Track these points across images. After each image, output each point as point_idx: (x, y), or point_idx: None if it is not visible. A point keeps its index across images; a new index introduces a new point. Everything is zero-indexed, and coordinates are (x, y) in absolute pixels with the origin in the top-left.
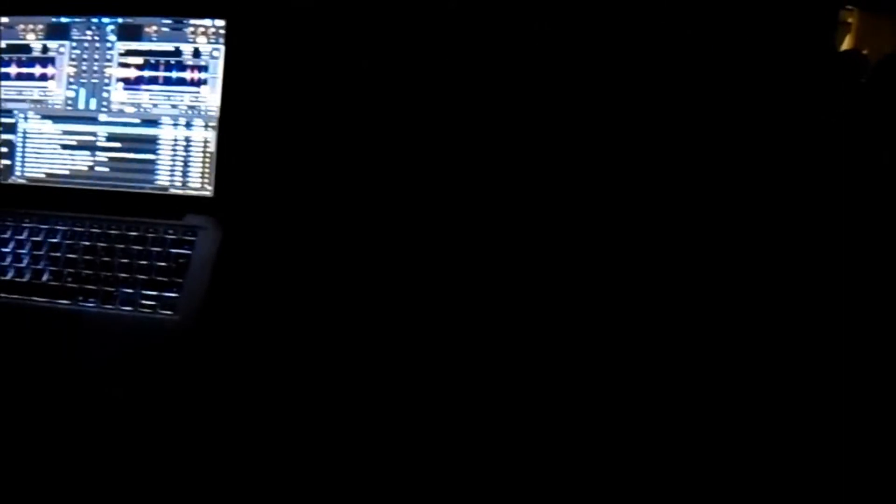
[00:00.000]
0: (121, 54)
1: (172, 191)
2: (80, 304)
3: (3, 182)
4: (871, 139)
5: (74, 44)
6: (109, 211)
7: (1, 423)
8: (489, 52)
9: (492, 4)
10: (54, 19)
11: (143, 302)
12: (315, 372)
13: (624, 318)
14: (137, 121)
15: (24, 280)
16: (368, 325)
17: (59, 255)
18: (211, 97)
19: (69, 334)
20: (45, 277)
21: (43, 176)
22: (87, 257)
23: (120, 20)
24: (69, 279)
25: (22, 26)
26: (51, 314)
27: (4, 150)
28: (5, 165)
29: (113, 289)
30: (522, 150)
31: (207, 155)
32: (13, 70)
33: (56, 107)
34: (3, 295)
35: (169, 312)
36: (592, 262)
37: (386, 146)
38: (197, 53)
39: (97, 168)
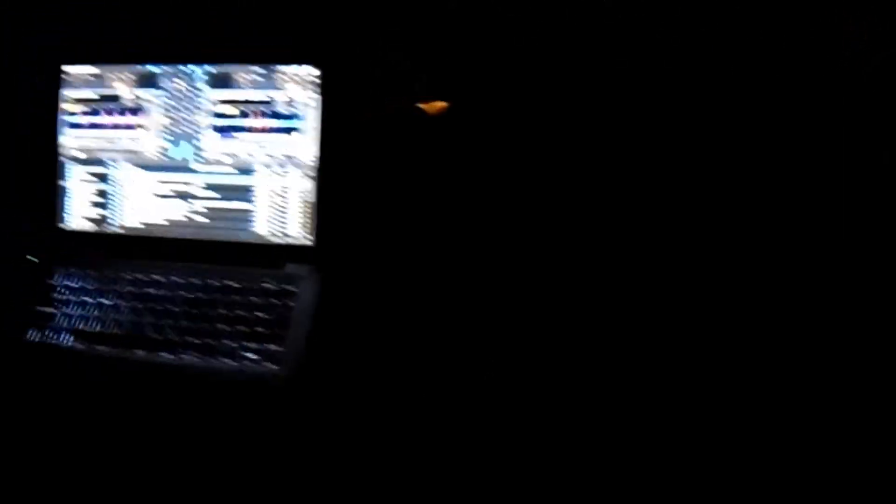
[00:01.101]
0: (213, 103)
1: (271, 240)
2: (183, 357)
3: (99, 231)
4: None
5: (166, 93)
6: (207, 260)
7: (105, 477)
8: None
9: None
10: (144, 68)
11: (246, 355)
12: (421, 423)
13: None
14: (233, 170)
15: (125, 332)
16: (472, 376)
17: (159, 306)
18: (307, 146)
19: (172, 389)
20: (145, 330)
21: (139, 225)
22: (188, 309)
23: (210, 68)
24: (170, 331)
25: (112, 76)
26: (153, 368)
27: (100, 199)
28: (101, 215)
29: (214, 341)
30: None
31: (306, 204)
32: (105, 120)
33: (150, 156)
34: (103, 348)
35: (272, 365)
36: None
37: (486, 191)
38: (291, 102)
39: (194, 217)
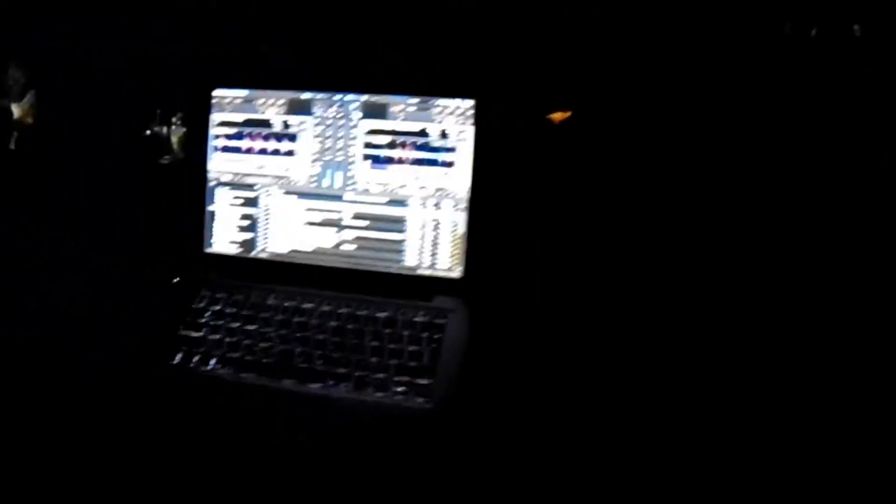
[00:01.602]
0: (366, 133)
1: (420, 272)
2: (332, 388)
3: (244, 256)
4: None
5: (317, 120)
6: (355, 290)
7: None
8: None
9: None
10: (296, 95)
11: (396, 389)
12: (573, 458)
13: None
14: (384, 200)
15: (273, 361)
16: (626, 408)
17: (307, 335)
18: (460, 178)
19: (321, 420)
20: (294, 359)
21: (286, 251)
22: (337, 339)
23: (364, 98)
24: (319, 361)
25: (262, 101)
26: (301, 398)
27: (247, 224)
28: (247, 239)
29: (364, 373)
30: None
31: (456, 237)
32: (254, 144)
33: (300, 183)
34: (250, 375)
35: (422, 399)
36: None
37: (636, 226)
38: (445, 134)
39: (343, 246)
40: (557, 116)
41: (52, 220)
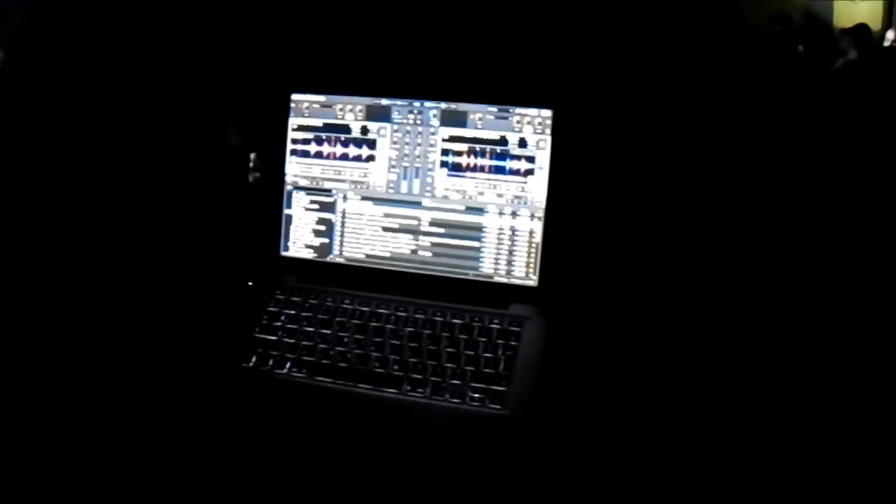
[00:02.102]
0: (444, 140)
1: (496, 279)
2: (408, 393)
3: (320, 259)
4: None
5: (396, 127)
6: (430, 296)
7: None
8: None
9: None
10: (375, 101)
11: (472, 395)
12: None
13: None
14: (462, 208)
15: (349, 365)
16: (701, 416)
17: (382, 340)
18: (537, 187)
19: (396, 425)
20: (370, 363)
21: (362, 256)
22: (412, 344)
23: (443, 105)
24: (395, 366)
25: (340, 106)
26: (377, 403)
27: (323, 228)
28: (323, 244)
29: (440, 379)
30: None
31: (533, 245)
32: (332, 150)
33: (377, 189)
34: (326, 379)
35: (498, 407)
36: None
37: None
38: (523, 143)
39: (419, 252)
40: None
41: (129, 224)
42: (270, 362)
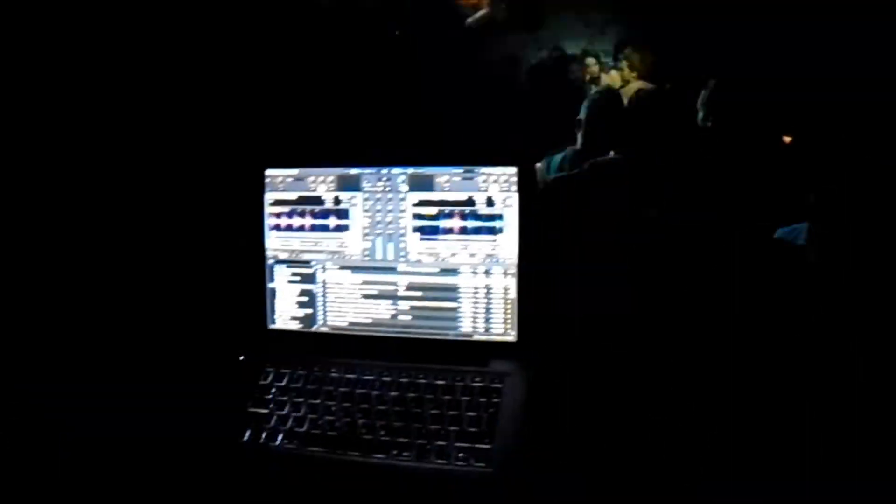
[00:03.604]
0: (413, 204)
1: (476, 337)
2: (395, 458)
3: (305, 330)
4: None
5: (367, 195)
6: (413, 358)
7: None
8: None
9: None
10: (345, 171)
11: (457, 455)
12: None
13: None
14: (436, 270)
15: (338, 433)
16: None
17: (369, 406)
18: (508, 244)
19: (386, 490)
20: (358, 430)
21: (346, 324)
22: (398, 408)
23: (410, 171)
24: (382, 432)
25: (312, 178)
26: (367, 469)
27: (306, 299)
28: (307, 314)
29: (425, 441)
30: None
31: (508, 301)
32: (307, 221)
33: (354, 257)
34: (317, 449)
35: (482, 465)
36: None
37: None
38: (490, 202)
39: (399, 316)
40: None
41: (116, 300)
42: (264, 435)
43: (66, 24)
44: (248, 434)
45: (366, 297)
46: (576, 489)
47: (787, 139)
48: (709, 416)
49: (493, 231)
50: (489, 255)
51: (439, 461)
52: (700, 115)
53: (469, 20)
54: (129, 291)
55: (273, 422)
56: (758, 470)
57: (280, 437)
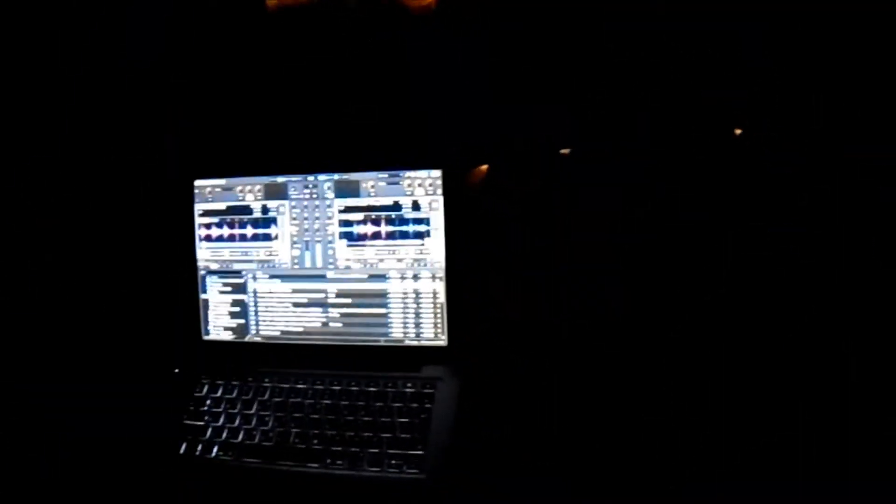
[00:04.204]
0: (340, 211)
1: (407, 343)
2: (330, 467)
3: (239, 340)
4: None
5: (294, 203)
6: (346, 366)
7: None
8: None
9: None
10: (272, 179)
11: (390, 462)
12: None
13: None
14: (365, 276)
15: (272, 443)
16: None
17: (302, 415)
18: (435, 248)
19: (320, 499)
20: (291, 440)
21: (278, 333)
22: (331, 416)
23: (336, 177)
24: (315, 441)
25: (240, 188)
26: (302, 479)
27: (238, 309)
28: (240, 324)
29: (358, 449)
30: None
31: (438, 306)
32: (237, 231)
33: (283, 266)
34: (252, 460)
35: (415, 471)
36: None
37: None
38: (416, 206)
39: (330, 324)
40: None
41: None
42: (199, 448)
43: None
44: (183, 447)
45: (296, 305)
46: (509, 493)
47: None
48: (646, 416)
49: (419, 235)
50: (417, 260)
51: (373, 469)
52: None
53: None
54: (63, 308)
55: (208, 434)
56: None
57: (215, 449)
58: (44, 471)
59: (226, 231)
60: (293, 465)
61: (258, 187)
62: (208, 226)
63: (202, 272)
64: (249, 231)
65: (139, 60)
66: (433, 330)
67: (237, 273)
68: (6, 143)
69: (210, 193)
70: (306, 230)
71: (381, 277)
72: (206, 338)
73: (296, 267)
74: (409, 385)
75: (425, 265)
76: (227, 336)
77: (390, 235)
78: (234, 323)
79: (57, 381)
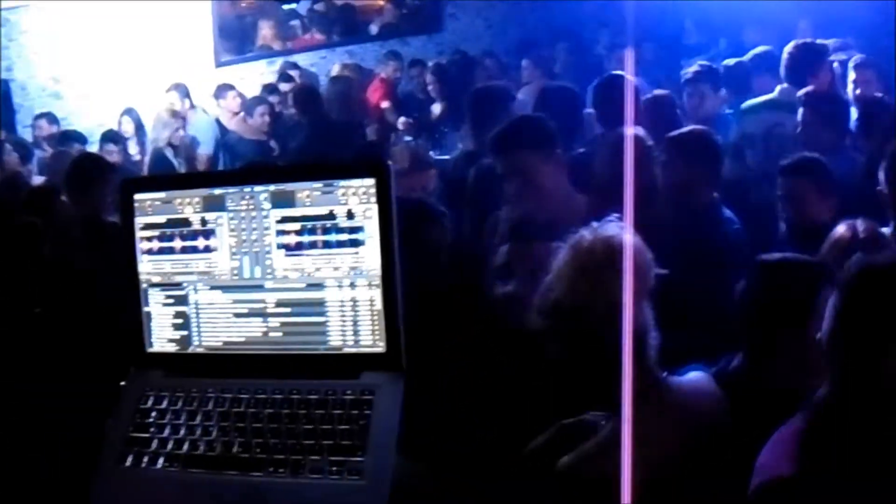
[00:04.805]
0: (277, 221)
1: (346, 350)
2: (273, 475)
3: (182, 352)
4: None
5: (231, 214)
6: (287, 374)
7: None
8: None
9: None
10: (209, 191)
11: (330, 469)
12: None
13: None
14: (302, 285)
15: (216, 453)
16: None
17: (245, 424)
18: (370, 256)
19: None
20: (235, 449)
21: (220, 344)
22: (273, 425)
23: (272, 188)
24: (258, 450)
25: (179, 200)
26: (246, 487)
27: (180, 321)
28: (183, 336)
29: (300, 457)
30: None
31: (375, 312)
32: (177, 244)
33: (223, 277)
34: (197, 471)
35: (356, 477)
36: None
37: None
38: (351, 215)
39: (271, 333)
40: None
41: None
42: (146, 460)
43: None
44: (129, 459)
45: (237, 315)
46: (450, 496)
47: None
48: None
49: (355, 243)
50: (353, 268)
51: (314, 476)
52: None
53: None
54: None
55: (154, 445)
56: None
57: (161, 460)
58: None
59: (166, 244)
60: (237, 474)
61: (196, 200)
62: (149, 239)
63: (144, 285)
64: (189, 243)
65: None
66: (371, 337)
67: (178, 285)
68: None
69: (150, 207)
70: (244, 241)
71: (319, 286)
72: (149, 350)
73: (235, 278)
74: (348, 392)
75: (361, 273)
76: (171, 348)
77: (326, 244)
78: (177, 335)
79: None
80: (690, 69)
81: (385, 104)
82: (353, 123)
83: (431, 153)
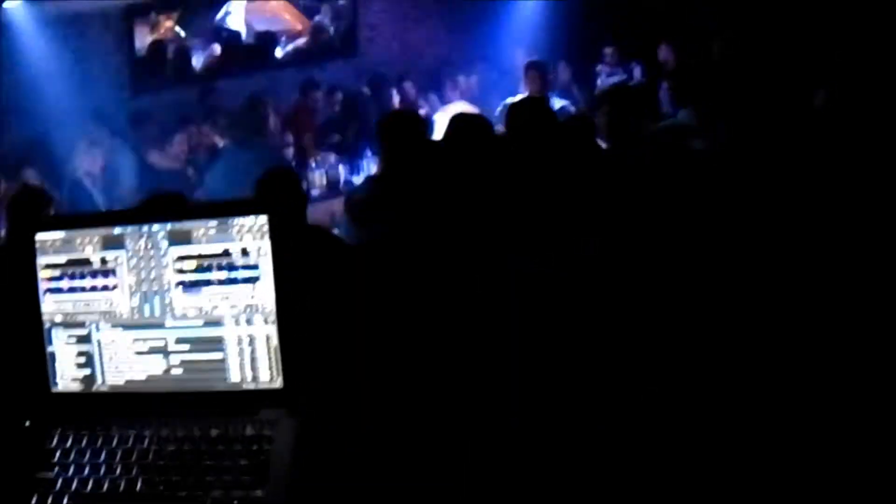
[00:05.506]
0: (175, 259)
1: (245, 386)
2: None
3: (86, 391)
4: None
5: (130, 253)
6: (189, 411)
7: None
8: None
9: None
10: (108, 231)
11: (232, 503)
12: None
13: None
14: (201, 323)
15: (120, 491)
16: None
17: (148, 462)
18: (265, 292)
19: None
20: (139, 487)
21: (123, 382)
22: (176, 462)
23: (169, 226)
24: (161, 486)
25: (79, 240)
26: None
27: (83, 360)
28: (86, 375)
29: (202, 492)
30: None
31: (272, 349)
32: (78, 283)
33: (124, 316)
34: None
35: None
36: None
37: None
38: (245, 252)
39: (172, 371)
40: None
41: None
42: (50, 500)
43: None
44: (34, 500)
45: (138, 353)
46: None
47: None
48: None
49: (250, 280)
50: (249, 305)
51: None
52: None
53: None
54: None
55: (59, 485)
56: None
57: (66, 500)
58: None
59: (66, 283)
60: None
61: (96, 239)
62: (51, 279)
63: (47, 325)
64: (90, 282)
65: None
66: (269, 373)
67: (81, 324)
68: None
69: (51, 246)
70: (144, 280)
71: (217, 324)
72: (54, 390)
73: (136, 316)
74: (248, 428)
75: (257, 310)
76: (76, 387)
77: (222, 282)
78: (81, 374)
79: None
80: None
81: (302, 129)
82: (270, 148)
83: (352, 177)
